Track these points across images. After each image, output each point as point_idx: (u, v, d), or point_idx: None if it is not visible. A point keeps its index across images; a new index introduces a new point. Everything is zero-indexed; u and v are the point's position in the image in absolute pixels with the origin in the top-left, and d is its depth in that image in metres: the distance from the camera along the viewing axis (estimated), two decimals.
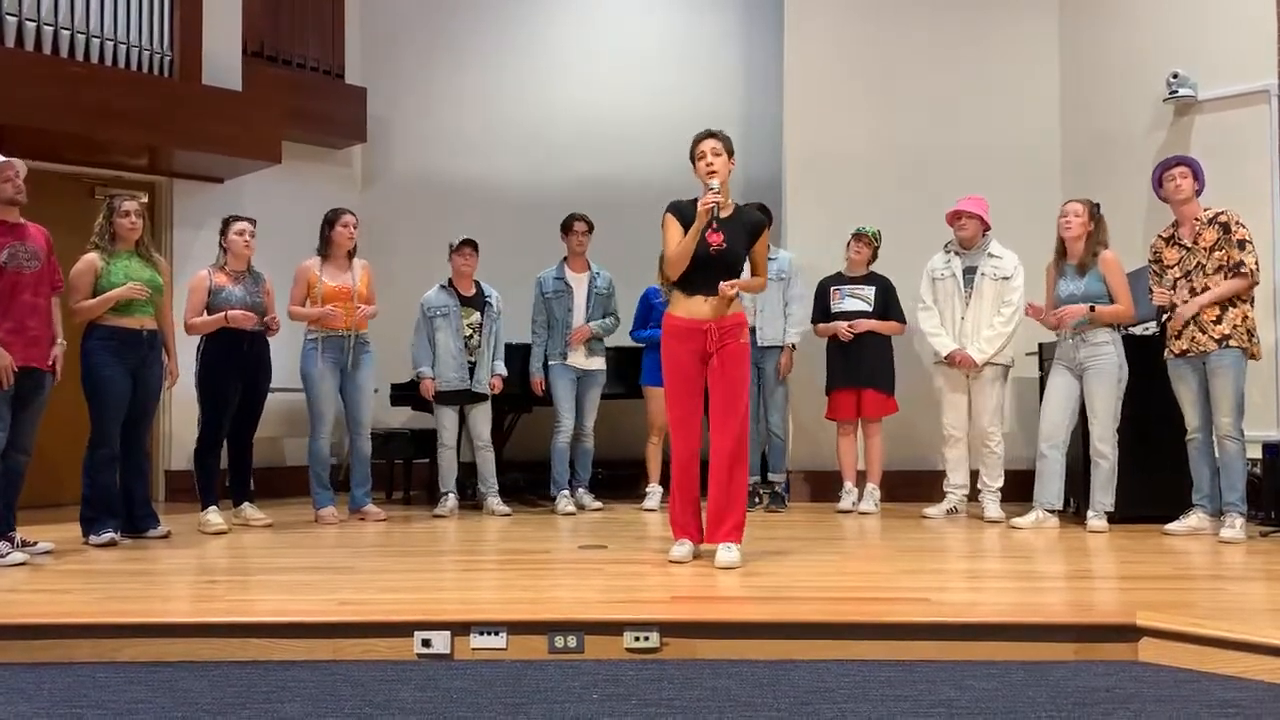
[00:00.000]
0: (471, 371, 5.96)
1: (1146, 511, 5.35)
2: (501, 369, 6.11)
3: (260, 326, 5.37)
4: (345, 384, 5.72)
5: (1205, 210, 5.00)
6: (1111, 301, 5.15)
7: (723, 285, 4.05)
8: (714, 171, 4.05)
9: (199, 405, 5.38)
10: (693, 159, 4.15)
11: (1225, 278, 4.85)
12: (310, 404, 5.67)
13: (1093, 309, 5.12)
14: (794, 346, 6.21)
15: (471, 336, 5.99)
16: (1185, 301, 4.93)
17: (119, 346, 4.82)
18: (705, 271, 4.07)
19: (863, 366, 6.04)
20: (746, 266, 4.29)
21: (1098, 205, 5.30)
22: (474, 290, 6.08)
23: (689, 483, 4.17)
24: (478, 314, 6.03)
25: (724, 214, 4.10)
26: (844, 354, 6.10)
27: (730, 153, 4.12)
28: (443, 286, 6.06)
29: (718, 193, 4.00)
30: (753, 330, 6.08)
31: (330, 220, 5.73)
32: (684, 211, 4.13)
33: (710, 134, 4.13)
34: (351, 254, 5.78)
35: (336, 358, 5.67)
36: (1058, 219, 5.31)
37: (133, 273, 4.87)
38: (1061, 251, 5.33)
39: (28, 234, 4.46)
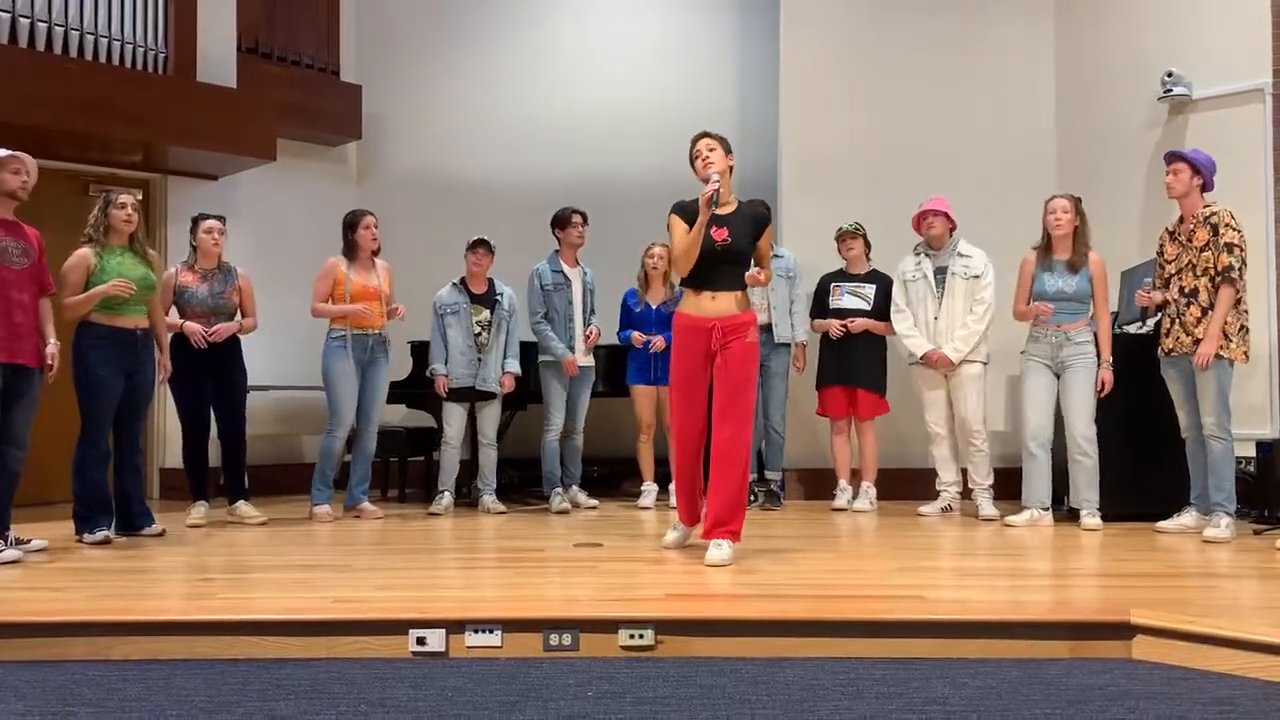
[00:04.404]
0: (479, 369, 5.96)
1: (1141, 509, 5.35)
2: (514, 367, 6.06)
3: (211, 338, 5.26)
4: (361, 381, 5.73)
5: (1205, 207, 4.84)
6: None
7: (750, 274, 4.16)
8: (710, 162, 4.11)
9: (175, 404, 5.42)
10: (691, 161, 4.24)
11: (1211, 281, 4.73)
12: (331, 401, 5.67)
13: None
14: (804, 344, 6.23)
15: (480, 334, 5.99)
16: (1174, 300, 4.88)
17: (113, 346, 4.80)
18: (712, 267, 4.12)
19: (854, 365, 6.03)
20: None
21: (1079, 200, 5.30)
22: (486, 288, 6.07)
23: (689, 474, 4.27)
24: (487, 312, 6.02)
25: (727, 210, 4.17)
26: (835, 351, 6.09)
27: (728, 150, 4.21)
28: (455, 285, 6.05)
29: (717, 182, 4.05)
30: (768, 327, 6.07)
31: (351, 224, 5.75)
32: (687, 210, 4.16)
33: (706, 134, 4.24)
34: (375, 254, 5.80)
35: (360, 356, 5.68)
36: (1044, 215, 5.29)
37: (125, 270, 4.84)
38: (1046, 246, 5.32)
39: (22, 232, 4.45)
